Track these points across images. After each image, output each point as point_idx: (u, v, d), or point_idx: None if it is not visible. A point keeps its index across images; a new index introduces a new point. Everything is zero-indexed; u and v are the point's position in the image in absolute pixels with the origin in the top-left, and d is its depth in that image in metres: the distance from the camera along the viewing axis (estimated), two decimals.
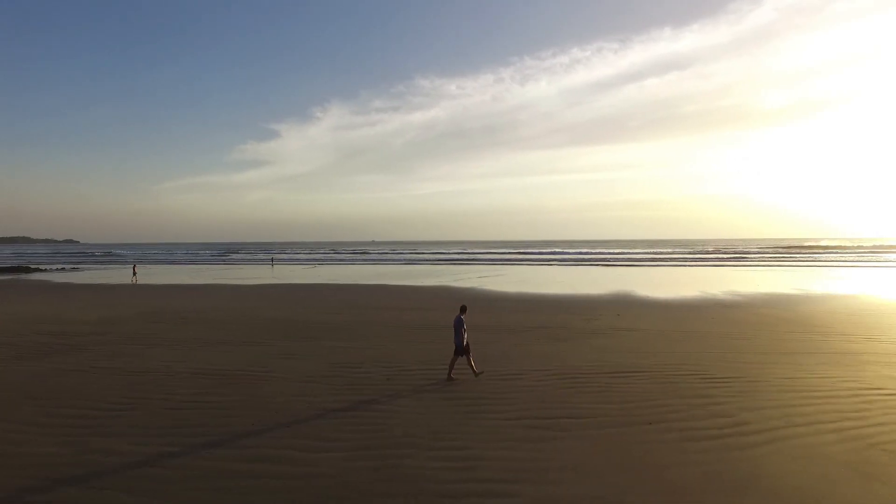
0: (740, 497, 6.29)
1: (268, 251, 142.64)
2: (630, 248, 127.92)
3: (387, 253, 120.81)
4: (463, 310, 12.41)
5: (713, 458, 7.43)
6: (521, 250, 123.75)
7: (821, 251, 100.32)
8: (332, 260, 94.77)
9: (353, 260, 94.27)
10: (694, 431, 8.46)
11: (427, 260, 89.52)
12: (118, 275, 57.58)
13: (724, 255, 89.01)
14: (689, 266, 65.61)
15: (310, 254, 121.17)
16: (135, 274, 61.58)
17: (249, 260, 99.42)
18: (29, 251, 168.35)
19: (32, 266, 71.83)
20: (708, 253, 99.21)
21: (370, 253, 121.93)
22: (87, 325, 20.65)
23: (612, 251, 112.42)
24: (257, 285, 41.27)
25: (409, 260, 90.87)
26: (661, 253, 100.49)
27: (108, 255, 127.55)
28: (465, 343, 11.94)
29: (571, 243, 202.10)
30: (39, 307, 26.65)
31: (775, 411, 9.40)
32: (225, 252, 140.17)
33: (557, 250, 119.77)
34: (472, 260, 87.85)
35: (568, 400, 10.35)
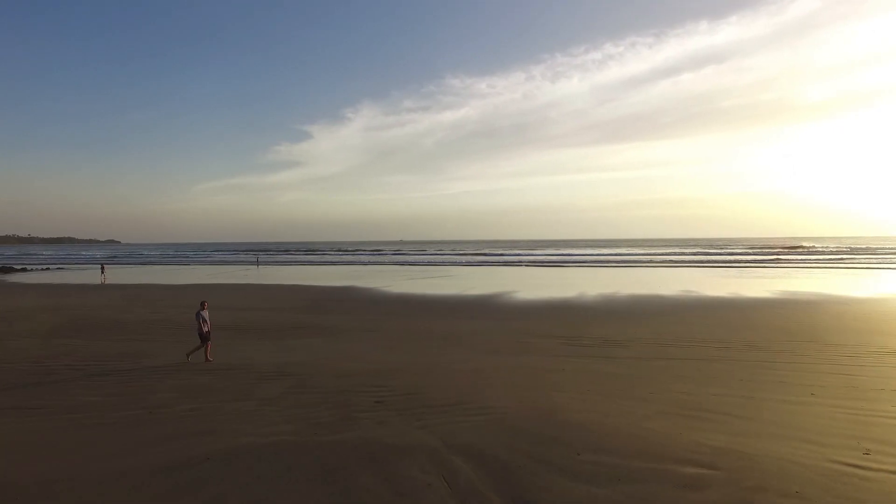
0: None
1: (298, 251, 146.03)
2: (641, 249, 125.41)
3: (384, 252, 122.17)
4: (202, 305, 14.52)
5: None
6: (517, 251, 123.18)
7: (831, 251, 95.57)
8: (321, 261, 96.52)
9: (333, 261, 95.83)
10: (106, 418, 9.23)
11: (407, 262, 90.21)
12: (91, 275, 59.88)
13: (726, 256, 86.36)
14: (657, 267, 64.26)
15: (307, 254, 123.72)
16: (103, 273, 64.38)
17: (241, 261, 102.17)
18: (35, 251, 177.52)
19: (18, 266, 76.26)
20: (719, 253, 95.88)
21: (364, 252, 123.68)
22: None
23: (616, 252, 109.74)
24: (178, 285, 42.96)
25: (392, 261, 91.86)
26: (670, 253, 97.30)
27: (113, 254, 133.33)
28: (207, 332, 14.06)
29: (594, 242, 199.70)
30: None
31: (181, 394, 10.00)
32: (248, 251, 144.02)
33: (557, 251, 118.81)
34: (452, 262, 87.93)
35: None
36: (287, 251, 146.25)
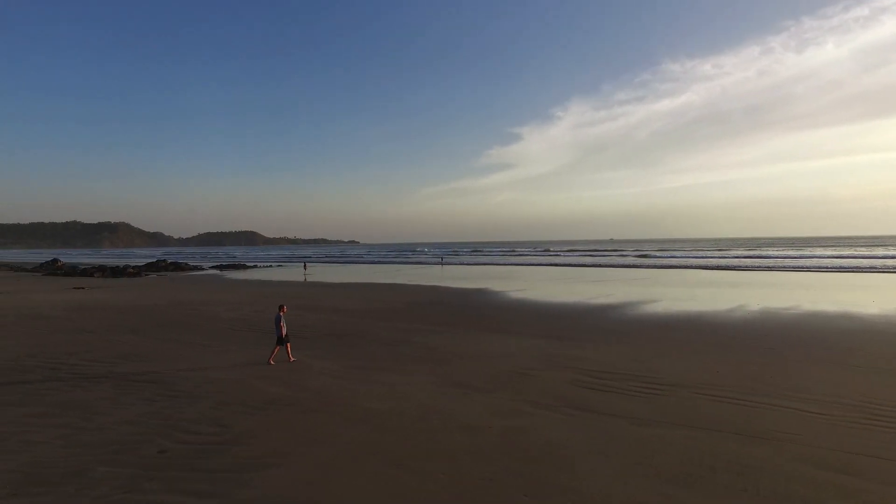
0: None
1: (481, 251, 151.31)
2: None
3: (577, 253, 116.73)
4: (281, 308, 14.89)
5: None
6: (731, 252, 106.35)
7: None
8: (500, 261, 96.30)
9: (511, 261, 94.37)
10: None
11: (582, 263, 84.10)
12: (293, 273, 67.59)
13: None
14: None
15: (502, 254, 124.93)
16: (305, 269, 73.74)
17: (428, 261, 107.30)
18: (281, 251, 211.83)
19: (250, 264, 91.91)
20: None
21: (555, 253, 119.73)
22: (53, 307, 27.58)
23: (873, 254, 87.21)
24: (336, 283, 46.30)
25: (569, 262, 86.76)
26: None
27: (343, 254, 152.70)
28: (284, 334, 14.35)
29: (849, 241, 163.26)
30: (102, 294, 35.89)
31: None
32: (456, 251, 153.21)
33: (784, 252, 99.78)
34: (632, 265, 79.18)
35: None
36: (477, 251, 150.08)
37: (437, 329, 20.44)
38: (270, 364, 14.19)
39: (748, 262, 71.59)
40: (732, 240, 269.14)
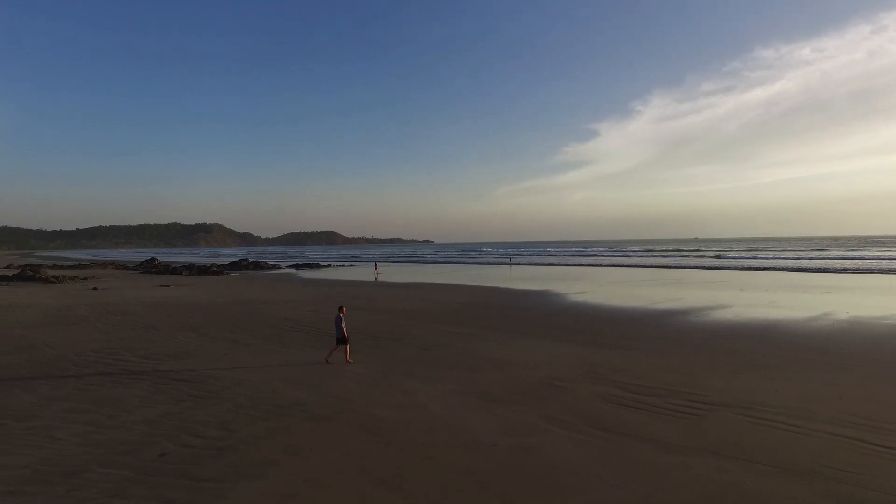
0: None
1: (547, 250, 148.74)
2: None
3: (654, 254, 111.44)
4: (340, 309, 15.30)
5: None
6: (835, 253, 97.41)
7: None
8: (568, 262, 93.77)
9: (580, 262, 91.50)
10: None
11: (659, 265, 79.82)
12: (364, 272, 69.30)
13: None
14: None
15: (574, 254, 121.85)
16: (376, 269, 75.52)
17: (498, 261, 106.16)
18: (354, 251, 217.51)
19: (324, 264, 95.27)
20: None
21: (630, 253, 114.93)
22: (135, 304, 29.58)
23: None
24: (399, 284, 46.95)
25: (645, 263, 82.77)
26: None
27: (412, 255, 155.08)
28: (344, 335, 14.78)
29: None
30: (163, 292, 38.23)
31: None
32: (533, 251, 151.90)
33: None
34: (716, 266, 74.11)
35: None
36: (547, 251, 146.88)
37: (481, 333, 19.94)
38: (328, 363, 14.60)
39: (848, 263, 64.79)
40: (834, 238, 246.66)
